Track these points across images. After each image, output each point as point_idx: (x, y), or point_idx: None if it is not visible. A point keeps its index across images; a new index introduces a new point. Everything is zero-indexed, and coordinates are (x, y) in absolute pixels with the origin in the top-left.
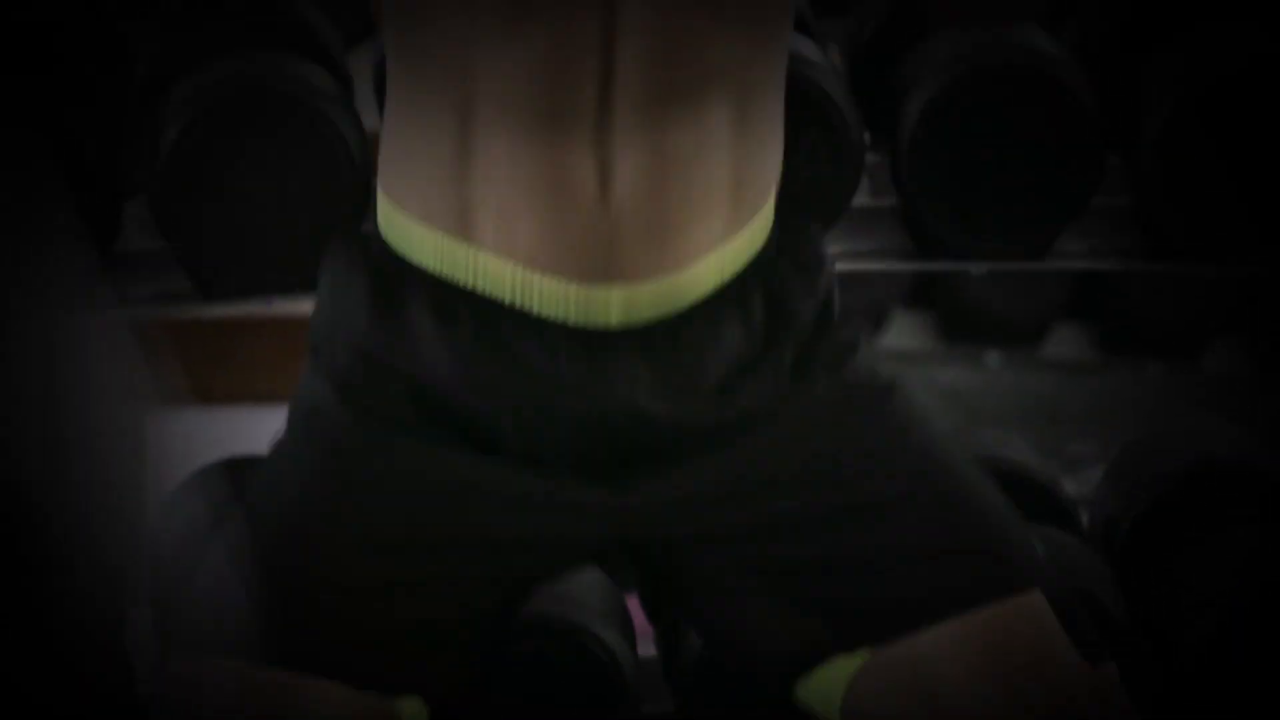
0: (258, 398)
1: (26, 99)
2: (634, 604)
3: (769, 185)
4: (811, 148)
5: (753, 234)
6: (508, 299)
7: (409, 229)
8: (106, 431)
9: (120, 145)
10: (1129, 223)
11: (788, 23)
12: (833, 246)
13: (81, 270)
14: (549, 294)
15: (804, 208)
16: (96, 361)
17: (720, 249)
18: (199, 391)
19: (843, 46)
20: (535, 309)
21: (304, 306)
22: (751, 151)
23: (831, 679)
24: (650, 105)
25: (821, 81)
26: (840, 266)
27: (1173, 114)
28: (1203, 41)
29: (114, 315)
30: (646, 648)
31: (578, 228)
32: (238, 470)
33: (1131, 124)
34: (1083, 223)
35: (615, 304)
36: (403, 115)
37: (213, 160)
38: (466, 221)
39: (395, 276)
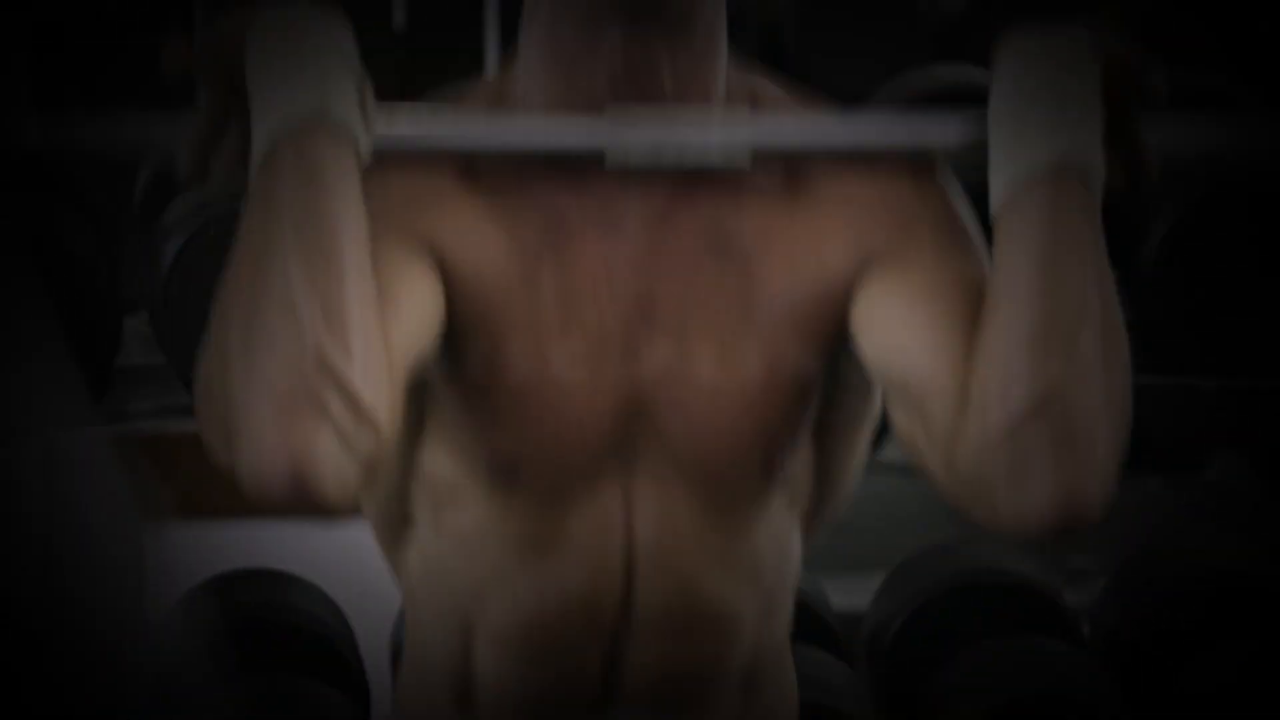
0: (259, 512)
1: (23, 218)
2: None
3: None
4: None
5: None
6: None
7: None
8: (106, 547)
9: (121, 262)
10: (1129, 336)
11: (797, 570)
12: None
13: (74, 390)
14: None
15: None
16: (94, 479)
17: None
18: (199, 505)
19: None
20: None
21: None
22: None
23: None
24: (650, 706)
25: None
26: None
27: (1172, 229)
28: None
29: (112, 432)
30: None
31: None
32: (237, 584)
33: (1131, 239)
34: None
35: None
36: (413, 679)
37: (212, 276)
38: None
39: None
